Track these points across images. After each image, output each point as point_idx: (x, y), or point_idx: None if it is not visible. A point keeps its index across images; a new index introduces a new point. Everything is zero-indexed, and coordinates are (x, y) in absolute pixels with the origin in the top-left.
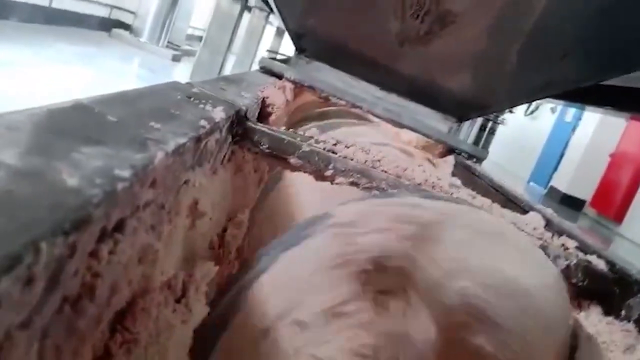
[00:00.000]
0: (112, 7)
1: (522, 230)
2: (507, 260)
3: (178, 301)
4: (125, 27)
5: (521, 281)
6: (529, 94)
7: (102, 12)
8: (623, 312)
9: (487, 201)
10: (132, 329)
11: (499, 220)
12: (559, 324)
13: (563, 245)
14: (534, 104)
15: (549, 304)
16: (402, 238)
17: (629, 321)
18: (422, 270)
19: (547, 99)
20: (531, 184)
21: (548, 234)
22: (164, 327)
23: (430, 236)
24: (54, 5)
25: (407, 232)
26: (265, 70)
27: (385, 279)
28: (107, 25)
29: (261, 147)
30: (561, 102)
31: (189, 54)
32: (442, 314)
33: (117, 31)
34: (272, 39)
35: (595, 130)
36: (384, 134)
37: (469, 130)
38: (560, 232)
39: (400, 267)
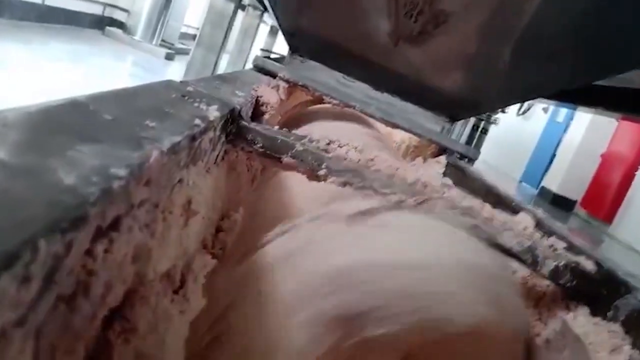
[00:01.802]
0: (106, 4)
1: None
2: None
3: (176, 292)
4: (119, 25)
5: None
6: (521, 94)
7: (96, 10)
8: (610, 313)
9: (477, 201)
10: (130, 318)
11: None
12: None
13: (552, 246)
14: (526, 104)
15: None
16: None
17: (616, 322)
18: None
19: (539, 99)
20: (522, 183)
21: (537, 235)
22: (162, 317)
23: None
24: (47, 2)
25: None
26: (259, 69)
27: None
28: (101, 23)
29: (255, 146)
30: (553, 102)
31: (182, 52)
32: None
33: (110, 29)
34: (266, 38)
35: (587, 131)
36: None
37: (462, 130)
38: (550, 233)
39: None
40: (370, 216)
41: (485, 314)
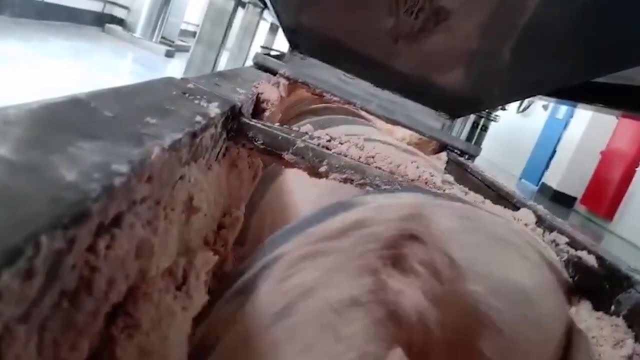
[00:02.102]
0: (106, 2)
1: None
2: (515, 268)
3: (179, 288)
4: (119, 22)
5: (527, 290)
6: (522, 91)
7: (96, 7)
8: (613, 308)
9: (479, 197)
10: (133, 314)
11: (509, 225)
12: (557, 331)
13: (554, 241)
14: (526, 101)
15: (550, 313)
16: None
17: (618, 316)
18: (436, 265)
19: (540, 96)
20: (523, 180)
21: (539, 230)
22: (165, 313)
23: (445, 237)
24: None
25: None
26: (260, 66)
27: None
28: (101, 20)
29: (256, 143)
30: (553, 99)
31: (182, 49)
32: (451, 314)
33: (110, 26)
34: (266, 35)
35: (587, 128)
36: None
37: (462, 127)
38: (551, 229)
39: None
40: None
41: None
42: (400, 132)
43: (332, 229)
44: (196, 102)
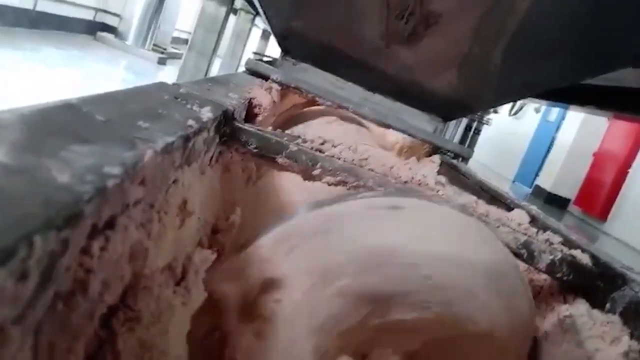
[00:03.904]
0: (97, 10)
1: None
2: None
3: (178, 284)
4: (111, 30)
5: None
6: (513, 94)
7: (87, 15)
8: (608, 305)
9: (472, 198)
10: (134, 307)
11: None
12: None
13: (548, 240)
14: (518, 104)
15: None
16: None
17: (613, 314)
18: None
19: (531, 99)
20: (516, 183)
21: (533, 230)
22: (165, 307)
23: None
24: (39, 8)
25: None
26: (252, 71)
27: None
28: (92, 28)
29: (249, 147)
30: (545, 101)
31: (174, 57)
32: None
33: (102, 34)
34: (258, 42)
35: (579, 130)
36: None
37: (454, 131)
38: (544, 228)
39: None
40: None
41: (502, 317)
42: (393, 135)
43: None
44: (188, 106)
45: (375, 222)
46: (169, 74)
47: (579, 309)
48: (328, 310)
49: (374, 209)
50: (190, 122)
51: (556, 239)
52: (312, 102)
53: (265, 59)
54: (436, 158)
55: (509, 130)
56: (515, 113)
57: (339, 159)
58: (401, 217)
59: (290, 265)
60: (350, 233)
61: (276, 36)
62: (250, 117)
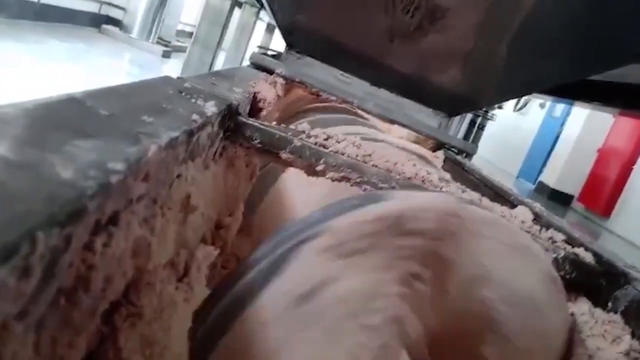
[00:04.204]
0: (102, 2)
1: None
2: (528, 278)
3: (180, 280)
4: (115, 23)
5: (536, 301)
6: (518, 89)
7: (92, 7)
8: (610, 304)
9: (476, 195)
10: (136, 302)
11: (524, 234)
12: (559, 344)
13: (551, 238)
14: (523, 99)
15: (554, 327)
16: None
17: (615, 312)
18: (451, 268)
19: (536, 95)
20: (520, 179)
21: (536, 227)
22: (167, 303)
23: (461, 241)
24: (43, 0)
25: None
26: (256, 65)
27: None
28: (97, 21)
29: (253, 142)
30: (550, 97)
31: (179, 50)
32: (458, 316)
33: (106, 27)
34: (263, 35)
35: (583, 126)
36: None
37: (458, 126)
38: (548, 226)
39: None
40: None
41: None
42: (398, 131)
43: (364, 220)
44: (193, 100)
45: None
46: (173, 67)
47: (581, 307)
48: None
49: None
50: (195, 116)
51: (559, 236)
52: (317, 96)
53: (269, 52)
54: (440, 154)
55: (514, 126)
56: (520, 109)
57: (343, 154)
58: None
59: None
60: None
61: (281, 30)
62: (254, 111)
